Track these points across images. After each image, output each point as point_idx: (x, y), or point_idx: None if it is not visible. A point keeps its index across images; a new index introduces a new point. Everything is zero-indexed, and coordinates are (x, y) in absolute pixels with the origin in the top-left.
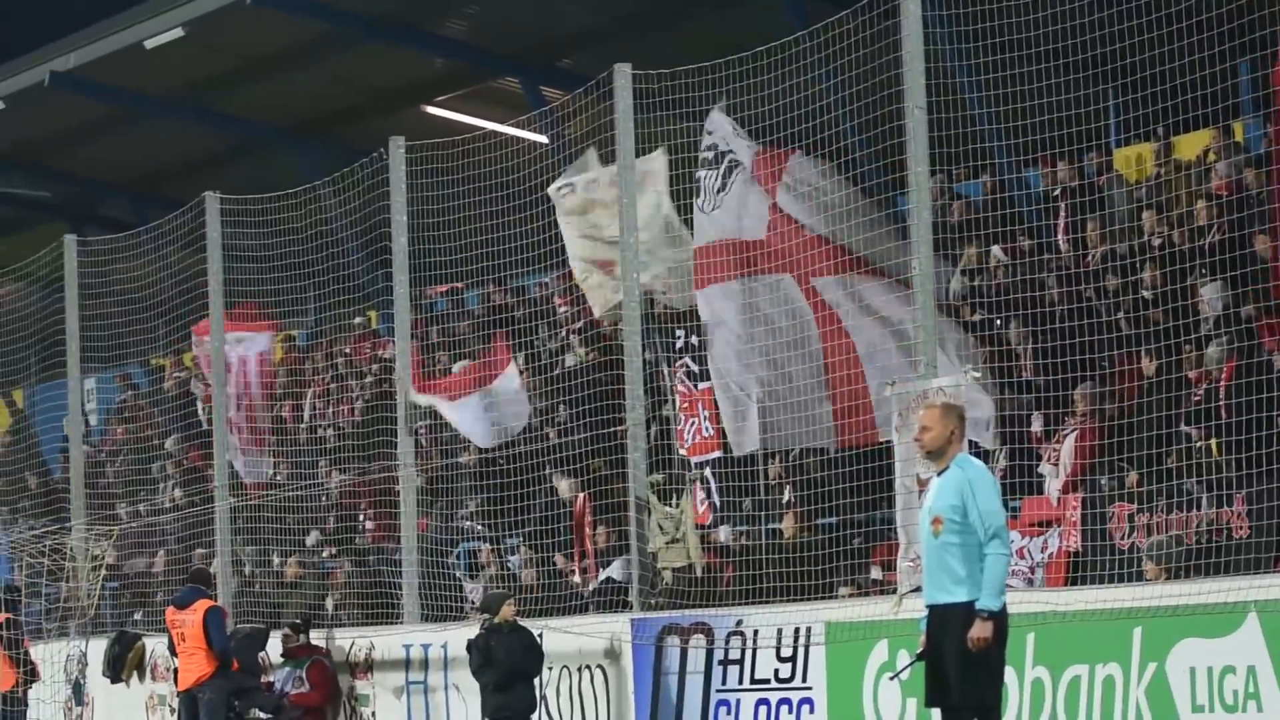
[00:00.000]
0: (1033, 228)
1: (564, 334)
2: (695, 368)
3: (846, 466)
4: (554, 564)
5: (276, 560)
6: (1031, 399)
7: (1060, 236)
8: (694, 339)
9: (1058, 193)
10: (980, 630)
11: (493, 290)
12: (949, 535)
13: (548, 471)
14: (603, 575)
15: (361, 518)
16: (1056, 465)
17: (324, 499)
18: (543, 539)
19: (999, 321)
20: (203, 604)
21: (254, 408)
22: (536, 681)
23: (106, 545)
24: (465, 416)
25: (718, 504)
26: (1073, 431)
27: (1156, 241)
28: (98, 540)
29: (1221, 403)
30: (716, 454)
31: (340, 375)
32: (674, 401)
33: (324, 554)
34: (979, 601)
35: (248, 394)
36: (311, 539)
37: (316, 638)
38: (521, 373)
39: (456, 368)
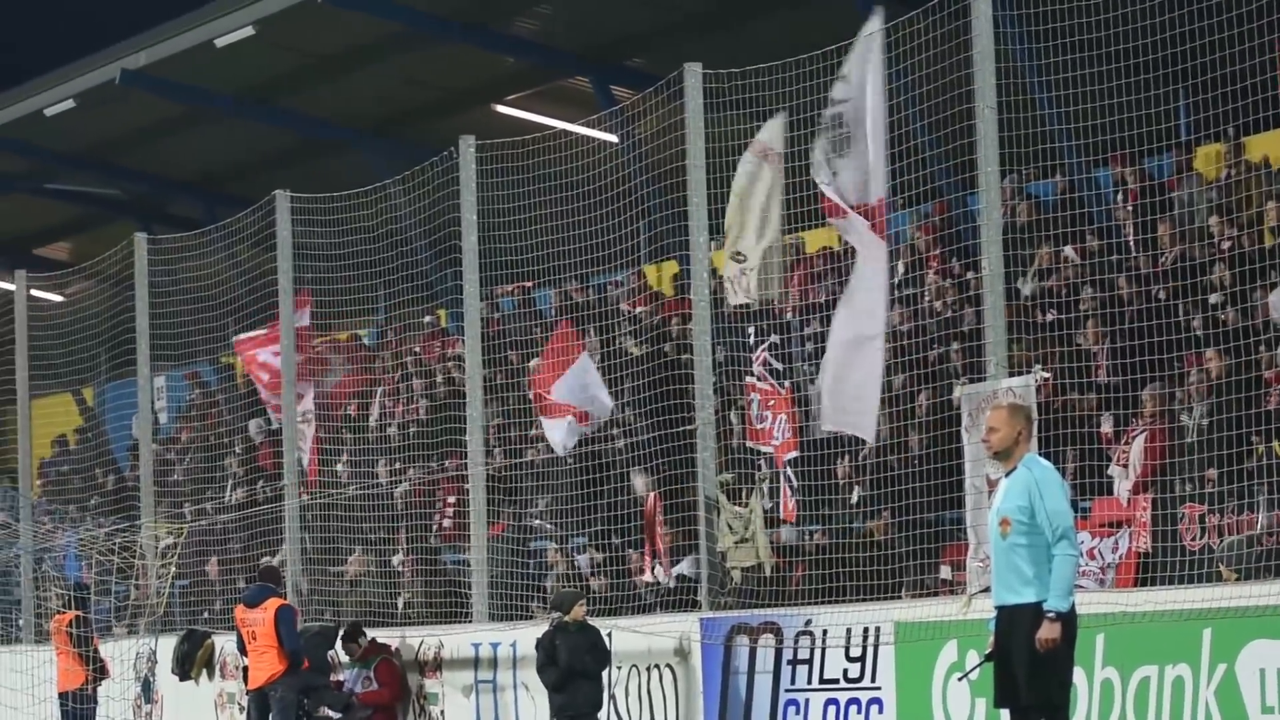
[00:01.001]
0: (1103, 228)
1: (634, 333)
2: (778, 365)
3: (916, 466)
4: (624, 563)
5: (350, 559)
6: (1101, 399)
7: (1131, 237)
8: (775, 337)
9: (1127, 193)
10: (1048, 631)
11: (569, 289)
12: (1017, 536)
13: (617, 471)
14: (675, 571)
15: (438, 517)
16: (1126, 466)
17: (393, 497)
18: (612, 538)
19: (1069, 322)
20: (273, 602)
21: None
22: (605, 680)
23: (176, 543)
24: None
25: (796, 503)
26: (1142, 432)
27: (1225, 244)
28: (167, 538)
29: None
30: (794, 453)
31: (409, 374)
32: (755, 400)
33: (395, 558)
34: (1047, 602)
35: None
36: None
37: (385, 636)
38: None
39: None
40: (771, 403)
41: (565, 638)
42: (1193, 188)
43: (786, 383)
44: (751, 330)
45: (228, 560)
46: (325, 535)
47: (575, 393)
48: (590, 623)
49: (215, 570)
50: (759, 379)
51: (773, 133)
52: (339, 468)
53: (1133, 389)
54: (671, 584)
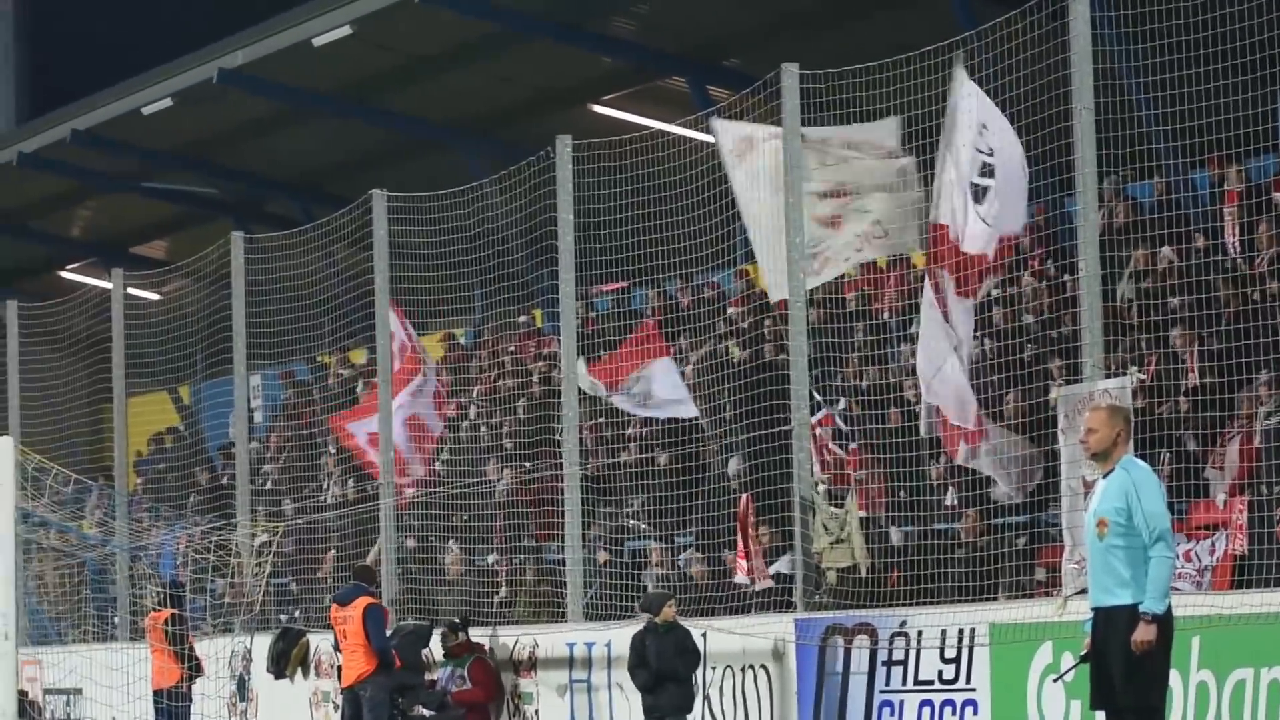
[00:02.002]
0: (1202, 229)
1: (734, 333)
2: (845, 427)
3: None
4: (719, 563)
5: (446, 558)
6: (1194, 401)
7: (1230, 239)
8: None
9: (1224, 194)
10: (1144, 633)
11: (668, 289)
12: (1114, 538)
13: (713, 473)
14: (771, 570)
15: (528, 516)
16: (1222, 469)
17: (489, 496)
18: (707, 538)
19: (1165, 324)
20: (363, 601)
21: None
22: (699, 681)
23: (271, 541)
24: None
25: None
26: (1236, 435)
27: None
28: (262, 536)
29: None
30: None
31: (505, 373)
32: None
33: (490, 557)
34: (1143, 604)
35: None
36: (492, 558)
37: (480, 636)
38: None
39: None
40: (834, 469)
41: (655, 639)
42: None
43: (853, 445)
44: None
45: (325, 558)
46: (422, 534)
47: (658, 391)
48: (681, 623)
49: (326, 567)
50: (825, 444)
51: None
52: (436, 466)
53: (1228, 391)
54: (764, 585)
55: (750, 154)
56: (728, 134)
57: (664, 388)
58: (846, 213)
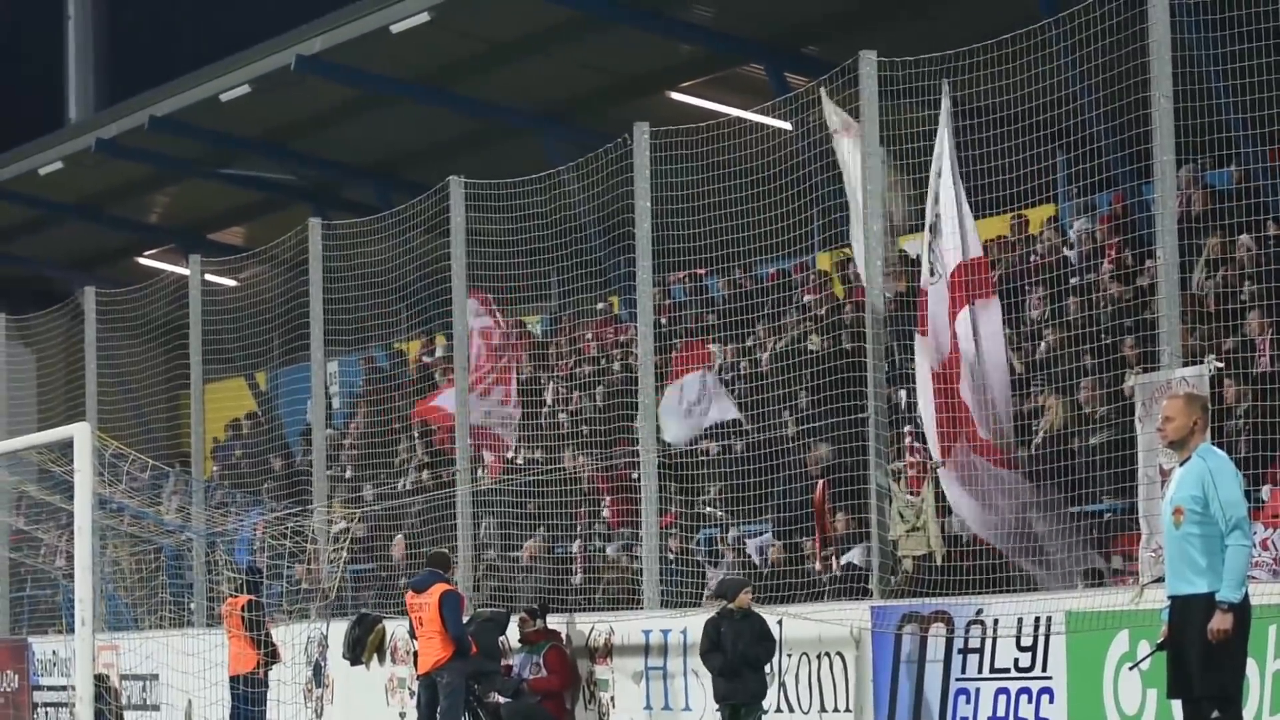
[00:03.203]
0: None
1: (812, 319)
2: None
3: (1086, 456)
4: (796, 550)
5: (525, 545)
6: (1266, 389)
7: None
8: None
9: None
10: (1220, 622)
11: (738, 278)
12: (1190, 526)
13: (790, 459)
14: (843, 560)
15: (604, 503)
16: None
17: (567, 483)
18: (783, 525)
19: (1242, 312)
20: (439, 588)
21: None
22: (772, 669)
23: (349, 528)
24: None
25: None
26: None
27: None
28: (340, 522)
29: None
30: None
31: (583, 360)
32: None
33: (574, 544)
34: (1219, 593)
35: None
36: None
37: (556, 623)
38: (715, 368)
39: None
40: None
41: (730, 625)
42: None
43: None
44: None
45: (397, 544)
46: (500, 521)
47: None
48: (757, 611)
49: (399, 553)
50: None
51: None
52: (510, 455)
53: None
54: (839, 573)
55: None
56: (834, 112)
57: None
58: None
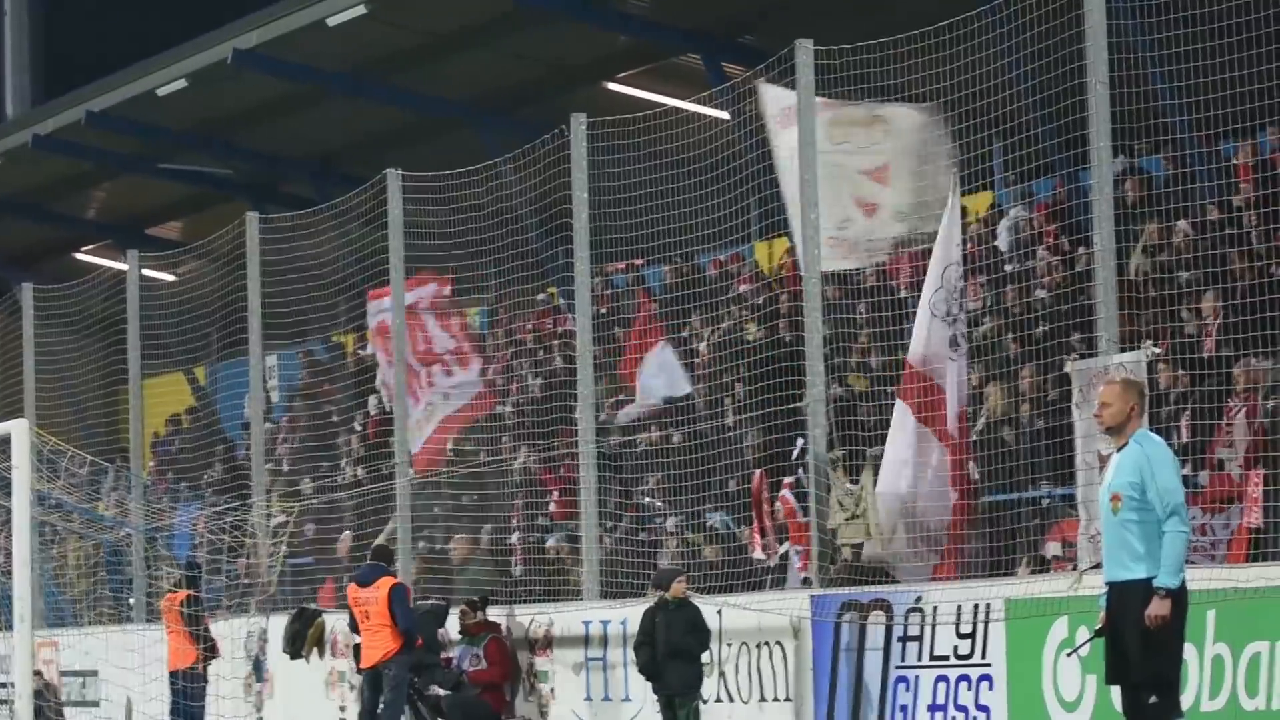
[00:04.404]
0: (1219, 202)
1: (749, 309)
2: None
3: (1027, 443)
4: (735, 540)
5: (452, 540)
6: (1202, 375)
7: (1247, 212)
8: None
9: (1234, 169)
10: (1158, 608)
11: (680, 266)
12: (1128, 512)
13: (728, 448)
14: (782, 549)
15: (551, 497)
16: (1231, 445)
17: (507, 476)
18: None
19: (1180, 297)
20: (386, 581)
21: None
22: (713, 658)
23: (287, 521)
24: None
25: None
26: (1241, 408)
27: None
28: (279, 516)
29: None
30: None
31: (521, 352)
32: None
33: (513, 536)
34: (1157, 579)
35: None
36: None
37: (496, 614)
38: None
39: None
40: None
41: (665, 615)
42: None
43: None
44: (863, 306)
45: (341, 539)
46: (438, 514)
47: (652, 382)
48: (693, 600)
49: (343, 548)
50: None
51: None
52: (448, 449)
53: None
54: (777, 562)
55: (793, 123)
56: (773, 100)
57: (654, 370)
58: (881, 199)
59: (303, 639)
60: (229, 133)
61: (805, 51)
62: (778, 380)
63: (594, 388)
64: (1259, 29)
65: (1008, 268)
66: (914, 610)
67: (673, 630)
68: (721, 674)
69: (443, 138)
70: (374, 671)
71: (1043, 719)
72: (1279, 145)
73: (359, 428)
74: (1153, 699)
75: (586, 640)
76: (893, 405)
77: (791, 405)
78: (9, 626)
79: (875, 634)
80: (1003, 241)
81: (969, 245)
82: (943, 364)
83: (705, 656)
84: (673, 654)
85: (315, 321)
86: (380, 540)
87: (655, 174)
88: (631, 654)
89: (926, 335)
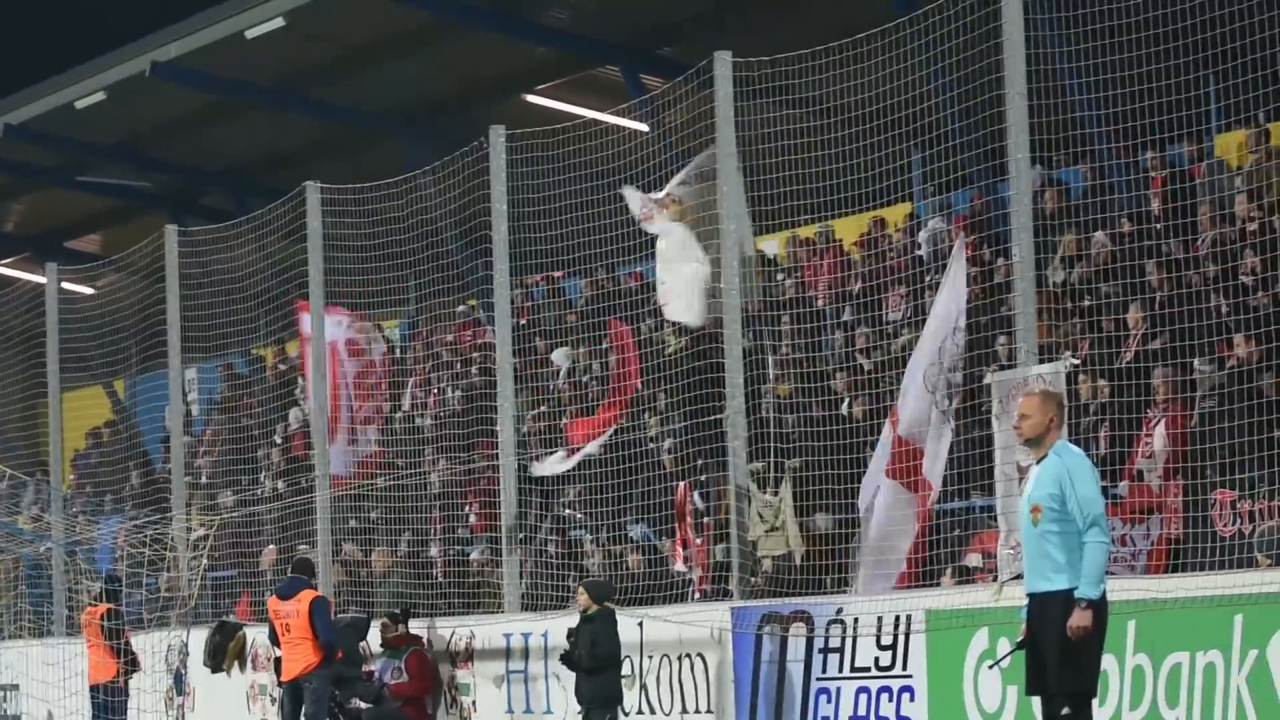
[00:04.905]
0: (1134, 214)
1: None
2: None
3: (947, 454)
4: (656, 552)
5: (374, 553)
6: (1122, 385)
7: (1164, 223)
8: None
9: (1148, 180)
10: (1079, 619)
11: (599, 279)
12: (1048, 523)
13: (649, 460)
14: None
15: (468, 509)
16: (1151, 455)
17: (426, 489)
18: (646, 527)
19: (1099, 308)
20: (307, 594)
21: (344, 398)
22: (634, 670)
23: (208, 535)
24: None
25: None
26: (1160, 419)
27: (1253, 227)
28: (199, 530)
29: None
30: None
31: (440, 365)
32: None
33: (433, 548)
34: (1078, 590)
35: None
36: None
37: (417, 627)
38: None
39: (556, 355)
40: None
41: (581, 628)
42: (1218, 174)
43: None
44: (787, 319)
45: (265, 551)
46: (359, 527)
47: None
48: (607, 612)
49: (268, 561)
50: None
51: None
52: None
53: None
54: (699, 573)
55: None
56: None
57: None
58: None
59: (223, 652)
60: (148, 145)
61: (724, 63)
62: (699, 392)
63: (514, 400)
64: (1173, 41)
65: (928, 278)
66: (835, 622)
67: (582, 644)
68: (643, 686)
69: (362, 150)
70: (294, 684)
71: None
72: (1193, 156)
73: (279, 440)
74: (1065, 710)
75: (508, 653)
76: (812, 417)
77: (712, 417)
78: None
79: (796, 646)
80: (924, 252)
81: (892, 257)
82: (926, 428)
83: (627, 669)
84: (588, 667)
85: (235, 334)
86: (307, 554)
87: (575, 186)
88: (552, 666)
89: (913, 407)
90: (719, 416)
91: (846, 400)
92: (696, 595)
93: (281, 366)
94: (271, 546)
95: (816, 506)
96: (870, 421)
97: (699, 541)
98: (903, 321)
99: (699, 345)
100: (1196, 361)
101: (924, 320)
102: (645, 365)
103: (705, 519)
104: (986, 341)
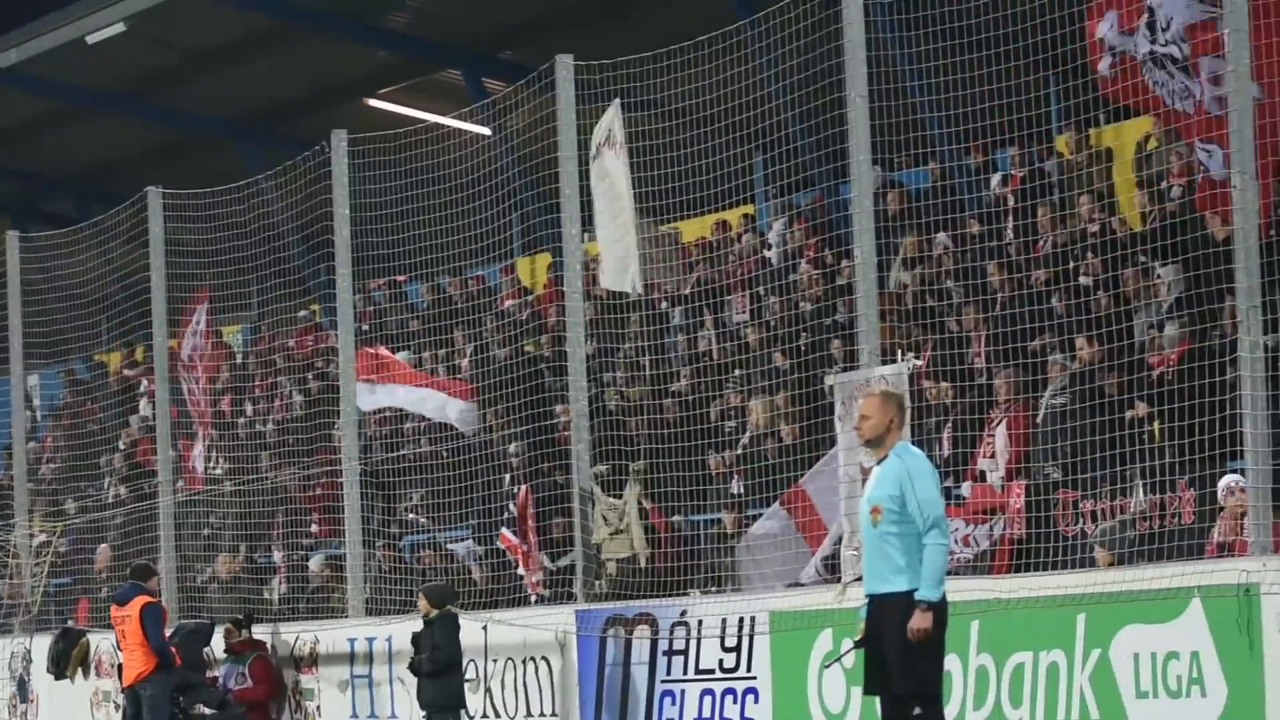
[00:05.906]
0: (978, 215)
1: (506, 326)
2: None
3: (790, 455)
4: (499, 556)
5: (217, 560)
6: (965, 386)
7: (1007, 223)
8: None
9: (1000, 180)
10: (920, 621)
11: (442, 283)
12: (888, 525)
13: (491, 464)
14: (546, 565)
15: (313, 516)
16: (993, 456)
17: (269, 494)
18: (488, 531)
19: (942, 309)
20: (140, 600)
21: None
22: (478, 674)
23: (50, 541)
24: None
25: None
26: (1002, 420)
27: (1094, 228)
28: (41, 536)
29: (1171, 387)
30: None
31: (282, 369)
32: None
33: (275, 554)
34: (918, 592)
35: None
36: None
37: (261, 633)
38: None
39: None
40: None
41: (423, 633)
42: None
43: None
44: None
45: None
46: (203, 533)
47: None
48: (449, 616)
49: (102, 563)
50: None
51: (611, 122)
52: (214, 467)
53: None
54: (542, 577)
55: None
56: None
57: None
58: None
59: (67, 659)
60: None
61: (565, 67)
62: (542, 395)
63: (355, 404)
64: (1013, 43)
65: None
66: (679, 624)
67: (421, 648)
68: (488, 690)
69: (204, 155)
70: (133, 690)
71: None
72: (1019, 161)
73: (122, 446)
74: (917, 711)
75: (352, 657)
76: (657, 420)
77: (555, 420)
78: None
79: (641, 648)
80: (773, 254)
81: (735, 259)
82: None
83: (470, 674)
84: (425, 671)
85: (77, 340)
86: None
87: (417, 190)
88: (397, 670)
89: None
90: (564, 419)
91: (691, 401)
92: (533, 598)
93: (127, 371)
94: (104, 546)
95: (670, 509)
96: (719, 423)
97: (526, 547)
98: (747, 324)
99: (540, 348)
100: (1055, 356)
101: (768, 322)
102: (487, 370)
103: (545, 523)
104: (829, 343)
